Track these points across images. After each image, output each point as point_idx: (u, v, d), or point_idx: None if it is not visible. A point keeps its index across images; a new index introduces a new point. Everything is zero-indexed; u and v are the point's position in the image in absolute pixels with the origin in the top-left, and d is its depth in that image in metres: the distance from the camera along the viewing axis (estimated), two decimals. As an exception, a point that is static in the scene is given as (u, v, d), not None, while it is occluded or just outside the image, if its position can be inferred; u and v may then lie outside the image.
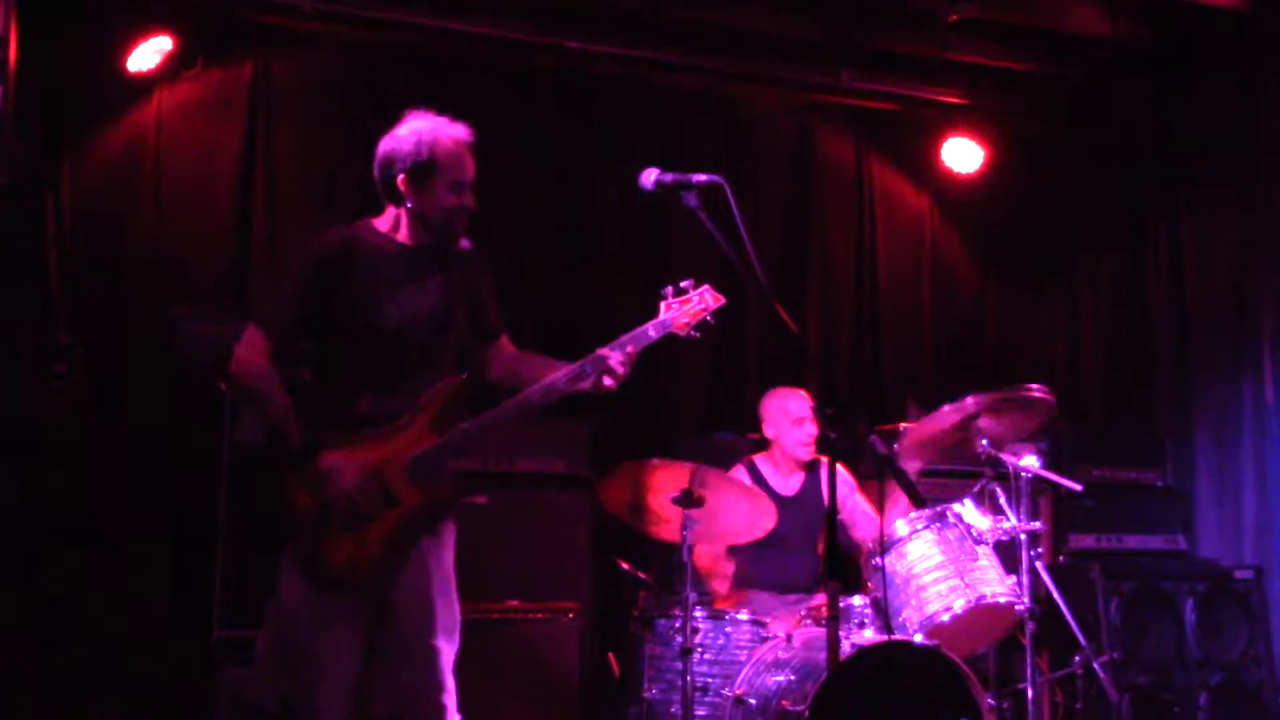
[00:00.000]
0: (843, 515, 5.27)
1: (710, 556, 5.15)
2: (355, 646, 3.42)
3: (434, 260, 3.57)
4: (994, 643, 4.91)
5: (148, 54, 5.70)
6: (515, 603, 5.08)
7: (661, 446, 5.97)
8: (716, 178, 3.30)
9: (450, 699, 3.42)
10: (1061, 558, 6.08)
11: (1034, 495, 4.83)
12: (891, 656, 4.11)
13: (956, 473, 5.69)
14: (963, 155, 7.02)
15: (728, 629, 4.65)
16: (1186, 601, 5.87)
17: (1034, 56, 6.69)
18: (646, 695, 4.58)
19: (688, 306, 3.51)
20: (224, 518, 4.73)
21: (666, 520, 4.55)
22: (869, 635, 4.50)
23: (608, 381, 3.45)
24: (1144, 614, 5.82)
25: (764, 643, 4.55)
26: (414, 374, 3.50)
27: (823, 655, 4.04)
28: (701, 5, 6.22)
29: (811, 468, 5.36)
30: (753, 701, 4.34)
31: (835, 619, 3.13)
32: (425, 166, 3.48)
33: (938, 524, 4.61)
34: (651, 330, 3.50)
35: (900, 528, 4.62)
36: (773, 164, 6.93)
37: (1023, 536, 4.61)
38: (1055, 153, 7.30)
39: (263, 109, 5.99)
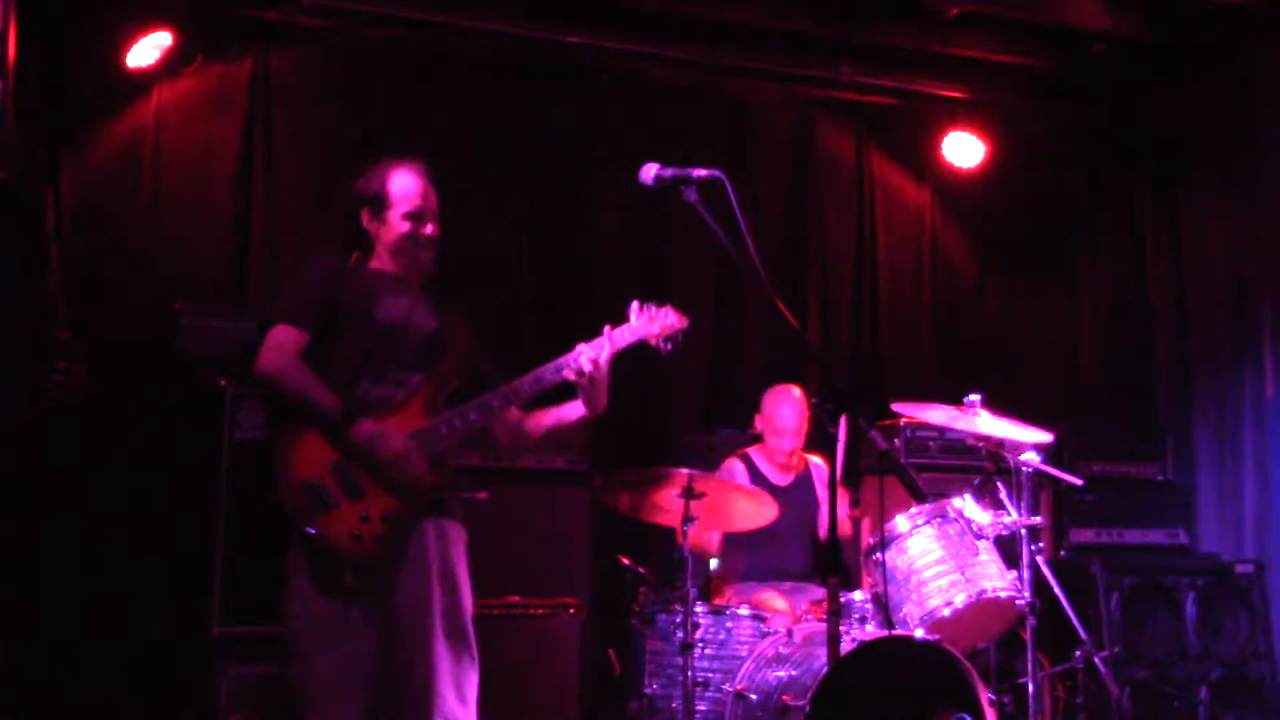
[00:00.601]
0: (821, 512, 5.30)
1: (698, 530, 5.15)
2: (364, 655, 3.43)
3: (420, 289, 3.71)
4: (995, 637, 4.90)
5: (147, 50, 5.70)
6: (516, 598, 5.09)
7: (662, 443, 6.01)
8: (717, 172, 3.31)
9: (450, 699, 3.41)
10: (1062, 552, 6.09)
11: (1034, 490, 4.82)
12: (892, 651, 4.12)
13: (957, 467, 5.70)
14: (963, 150, 7.01)
15: (728, 624, 4.66)
16: (1187, 596, 5.87)
17: (1034, 51, 6.68)
18: (647, 690, 4.58)
19: (659, 318, 3.76)
20: (224, 514, 4.72)
21: (667, 510, 4.58)
22: (870, 630, 4.51)
23: (585, 367, 3.63)
24: (1144, 608, 5.82)
25: (765, 638, 4.56)
26: (406, 366, 3.59)
27: (824, 650, 4.04)
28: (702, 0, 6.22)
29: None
30: (754, 696, 4.35)
31: (836, 614, 3.14)
32: (379, 199, 3.67)
33: (938, 519, 4.61)
34: (627, 333, 3.72)
35: (901, 523, 4.62)
36: (773, 159, 6.92)
37: (1023, 531, 4.60)
38: (1056, 147, 7.29)
39: (262, 105, 5.99)
